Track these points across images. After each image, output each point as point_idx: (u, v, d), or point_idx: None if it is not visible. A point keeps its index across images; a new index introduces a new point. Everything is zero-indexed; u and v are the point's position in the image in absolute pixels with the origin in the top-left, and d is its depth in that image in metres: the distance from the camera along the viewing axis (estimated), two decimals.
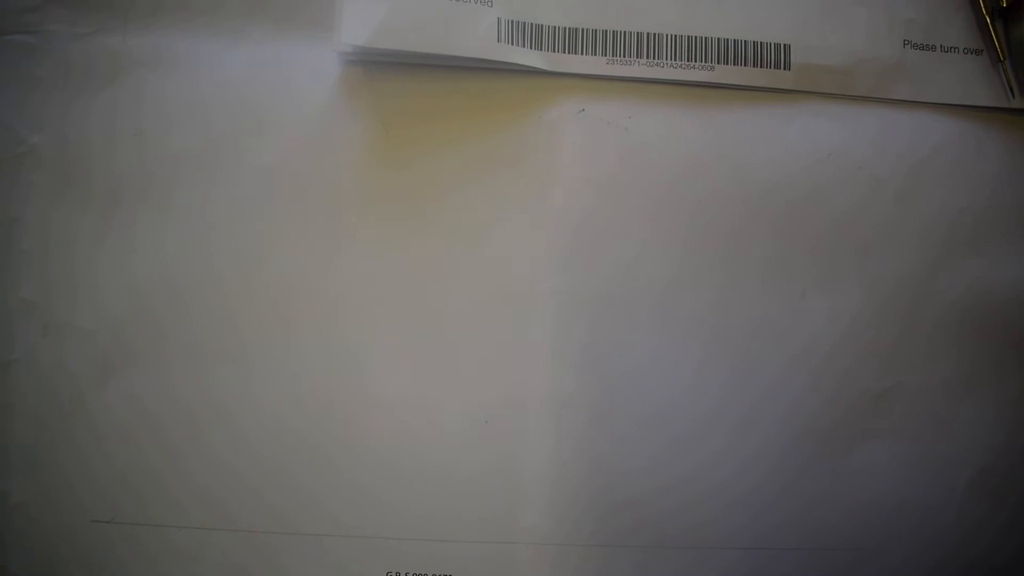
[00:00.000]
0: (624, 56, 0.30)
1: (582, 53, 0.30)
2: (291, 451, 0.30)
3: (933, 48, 0.31)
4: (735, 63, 0.31)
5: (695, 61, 0.31)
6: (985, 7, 0.31)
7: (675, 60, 0.31)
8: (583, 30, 0.30)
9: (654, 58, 0.30)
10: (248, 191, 0.30)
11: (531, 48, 0.30)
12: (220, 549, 0.29)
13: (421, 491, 0.30)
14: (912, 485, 0.31)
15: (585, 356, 0.30)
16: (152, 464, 0.29)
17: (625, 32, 0.30)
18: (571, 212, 0.30)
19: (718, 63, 0.31)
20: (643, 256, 0.31)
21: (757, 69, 0.31)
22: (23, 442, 0.29)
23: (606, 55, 0.30)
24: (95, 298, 0.30)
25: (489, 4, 0.29)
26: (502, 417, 0.30)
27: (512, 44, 0.30)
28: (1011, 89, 0.31)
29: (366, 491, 0.30)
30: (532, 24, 0.30)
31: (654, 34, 0.30)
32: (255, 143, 0.30)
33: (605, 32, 0.30)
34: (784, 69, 0.31)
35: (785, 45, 0.31)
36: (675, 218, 0.31)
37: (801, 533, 0.30)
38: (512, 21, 0.30)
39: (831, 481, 0.31)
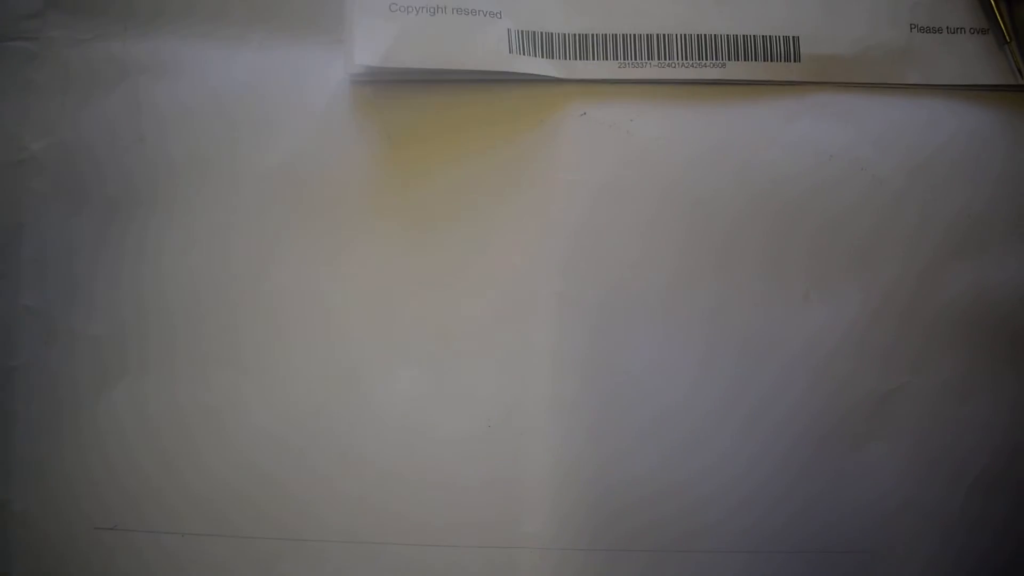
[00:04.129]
0: (635, 59, 0.31)
1: (593, 58, 0.31)
2: (294, 457, 0.30)
3: (939, 30, 0.32)
4: (745, 59, 0.32)
5: (706, 59, 0.31)
6: None
7: (686, 59, 0.31)
8: (593, 35, 0.31)
9: (665, 59, 0.31)
10: (250, 198, 0.31)
11: (542, 57, 0.31)
12: (222, 556, 0.30)
13: (423, 496, 0.30)
14: (916, 486, 0.31)
15: (587, 360, 0.31)
16: (154, 471, 0.30)
17: (635, 35, 0.31)
18: (573, 216, 0.31)
19: (729, 60, 0.32)
20: (645, 259, 0.31)
21: (767, 63, 0.32)
22: (25, 450, 0.30)
23: (617, 59, 0.31)
24: (97, 305, 0.30)
25: (498, 16, 0.30)
26: (505, 422, 0.30)
27: (523, 54, 0.30)
28: (1019, 69, 0.31)
29: (368, 496, 0.30)
30: (542, 33, 0.31)
31: (664, 35, 0.31)
32: (256, 150, 0.31)
33: (615, 36, 0.31)
34: (794, 61, 0.32)
35: (794, 37, 0.32)
36: (677, 221, 0.31)
37: (805, 536, 0.31)
38: (522, 31, 0.30)
39: (834, 483, 0.31)
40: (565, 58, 0.31)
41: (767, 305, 0.31)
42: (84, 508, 0.29)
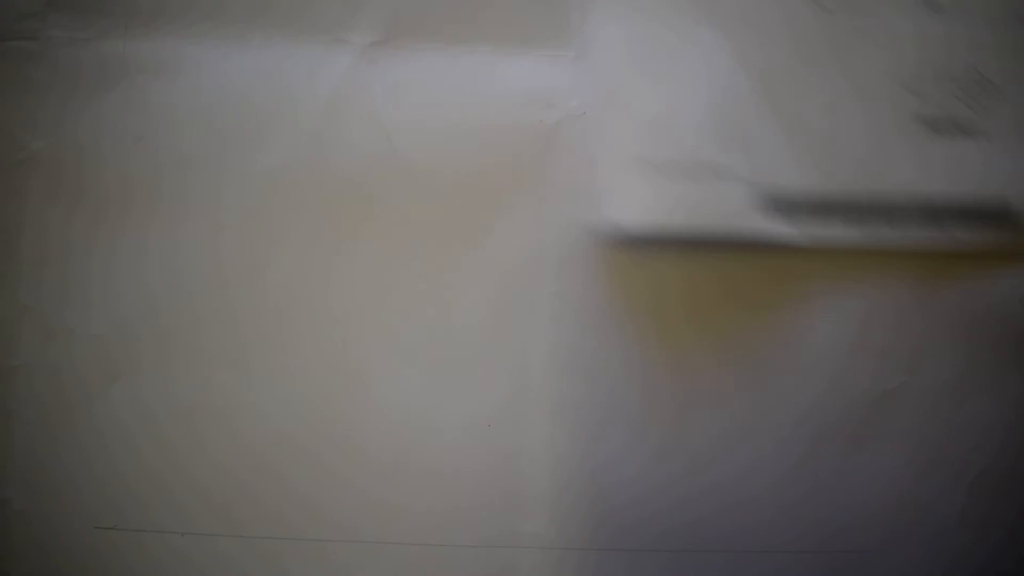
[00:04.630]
0: (870, 225, 0.31)
1: (830, 223, 0.31)
2: (294, 456, 0.30)
3: None
4: (969, 224, 0.31)
5: (935, 225, 0.31)
6: None
7: (916, 225, 0.31)
8: (832, 198, 0.31)
9: (897, 224, 0.31)
10: (251, 197, 0.31)
11: (783, 220, 0.30)
12: (224, 555, 0.30)
13: (424, 496, 0.30)
14: (915, 486, 0.31)
15: (587, 359, 0.31)
16: (155, 470, 0.30)
17: (870, 198, 0.31)
18: (572, 214, 0.31)
19: (954, 226, 0.31)
20: (643, 257, 0.31)
21: (991, 230, 0.31)
22: (25, 448, 0.30)
23: (853, 224, 0.31)
24: (97, 304, 0.30)
25: (745, 177, 0.30)
26: (504, 421, 0.31)
27: (767, 217, 0.30)
28: None
29: (368, 496, 0.30)
30: (784, 195, 0.30)
31: (897, 199, 0.31)
32: (258, 149, 0.31)
33: (853, 199, 0.31)
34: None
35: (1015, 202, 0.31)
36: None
37: (804, 535, 0.31)
38: (769, 195, 0.30)
39: (834, 482, 0.31)
40: (804, 222, 0.30)
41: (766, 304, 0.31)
42: (85, 507, 0.30)
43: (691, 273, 0.31)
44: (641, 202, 0.29)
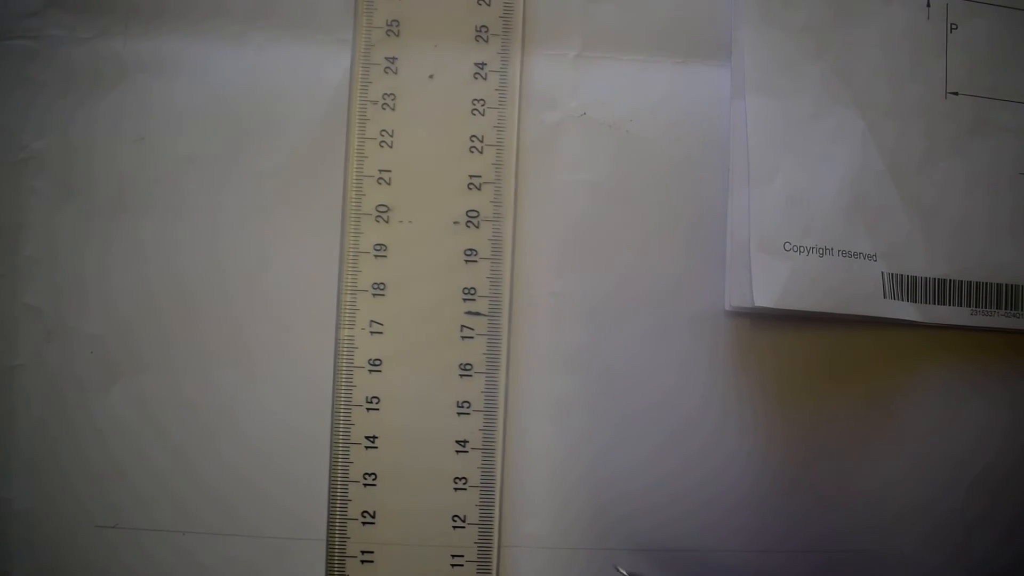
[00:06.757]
0: (986, 307, 0.32)
1: (948, 304, 0.31)
2: (295, 454, 0.30)
3: None
4: None
5: None
6: None
7: None
8: (951, 281, 0.32)
9: (1012, 308, 0.32)
10: (252, 196, 0.31)
11: (907, 301, 0.31)
12: (224, 553, 0.30)
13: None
14: (916, 486, 0.32)
15: (587, 359, 0.31)
16: (155, 469, 0.30)
17: (988, 283, 0.32)
18: (570, 214, 0.31)
19: None
20: (642, 257, 0.31)
21: None
22: (26, 447, 0.30)
23: (969, 306, 0.31)
24: (99, 303, 0.30)
25: (874, 259, 0.31)
26: (504, 422, 0.31)
27: (894, 299, 0.31)
28: None
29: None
30: (908, 276, 0.31)
31: (1011, 286, 0.32)
32: (258, 149, 0.31)
33: (970, 284, 0.32)
34: None
35: None
36: (674, 218, 0.32)
37: (805, 534, 0.31)
38: (893, 275, 0.31)
39: (834, 482, 0.31)
40: (925, 302, 0.31)
41: None
42: (86, 506, 0.30)
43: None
44: (778, 281, 0.30)
